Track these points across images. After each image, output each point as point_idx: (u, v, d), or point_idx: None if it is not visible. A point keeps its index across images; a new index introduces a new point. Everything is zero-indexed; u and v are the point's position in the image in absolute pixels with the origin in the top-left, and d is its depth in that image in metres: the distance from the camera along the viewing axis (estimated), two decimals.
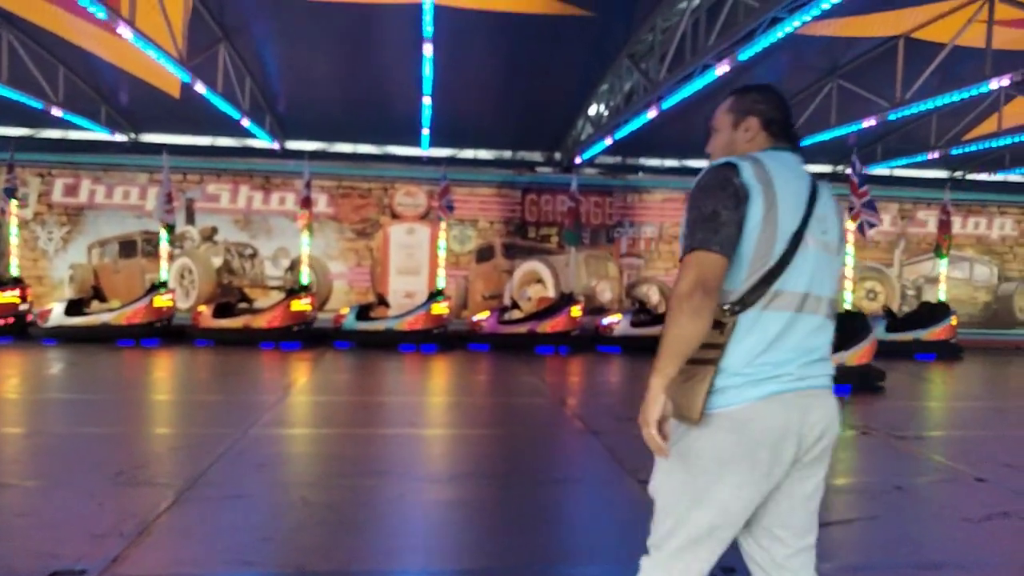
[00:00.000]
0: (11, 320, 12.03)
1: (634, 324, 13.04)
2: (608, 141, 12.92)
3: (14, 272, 12.55)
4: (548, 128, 14.62)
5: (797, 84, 12.10)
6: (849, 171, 10.65)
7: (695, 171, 15.04)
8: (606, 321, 13.13)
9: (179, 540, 3.93)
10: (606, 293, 15.69)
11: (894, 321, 13.50)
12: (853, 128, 11.83)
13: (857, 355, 9.02)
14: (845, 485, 5.40)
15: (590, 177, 15.61)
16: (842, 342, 8.57)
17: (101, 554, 3.58)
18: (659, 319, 13.40)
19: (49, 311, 12.02)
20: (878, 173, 15.58)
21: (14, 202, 12.60)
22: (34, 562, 3.49)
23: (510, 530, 4.27)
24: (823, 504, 2.20)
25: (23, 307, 12.28)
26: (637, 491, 5.00)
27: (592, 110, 13.50)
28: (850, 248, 10.78)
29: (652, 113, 11.02)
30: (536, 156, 15.74)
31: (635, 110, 11.20)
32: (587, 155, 14.39)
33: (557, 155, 15.65)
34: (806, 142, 12.75)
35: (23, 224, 13.55)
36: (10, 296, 12.09)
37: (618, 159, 15.81)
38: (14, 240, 12.75)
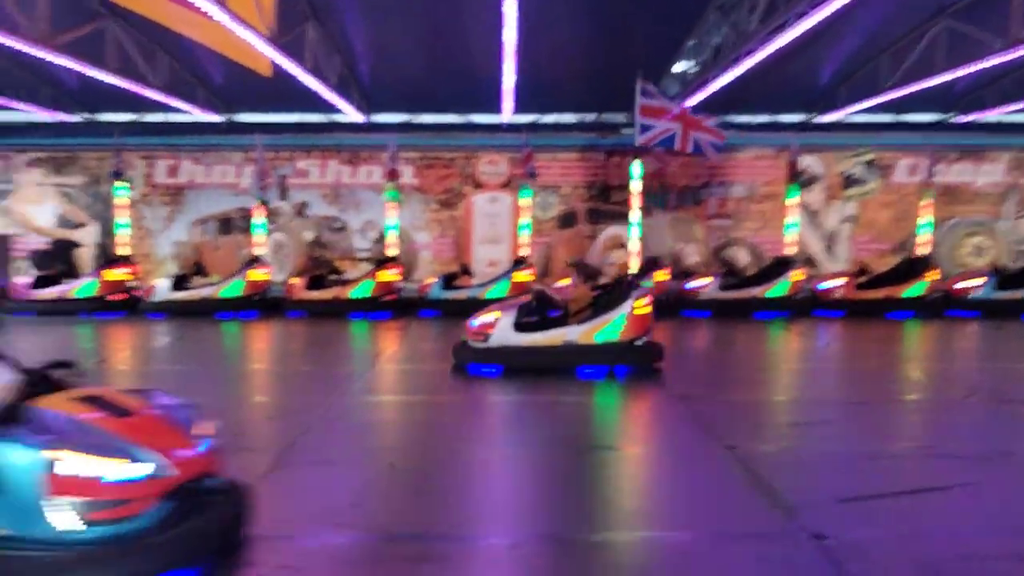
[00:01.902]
0: (123, 296, 12.83)
1: (722, 287, 12.69)
2: (696, 99, 12.48)
3: (124, 250, 13.33)
4: (632, 88, 14.24)
5: (899, 27, 11.32)
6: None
7: (788, 126, 14.50)
8: (692, 285, 12.84)
9: (276, 503, 4.08)
10: (693, 256, 15.32)
11: (1005, 279, 12.61)
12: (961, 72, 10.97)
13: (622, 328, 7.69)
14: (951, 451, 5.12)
15: None
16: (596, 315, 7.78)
17: None
18: (749, 282, 13.01)
19: (155, 287, 12.74)
20: (988, 119, 14.49)
21: (122, 184, 13.34)
22: None
23: (590, 495, 4.27)
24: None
25: (133, 283, 13.06)
26: (723, 455, 4.95)
27: (678, 67, 13.06)
28: None
29: (742, 67, 10.55)
30: (620, 118, 15.39)
31: (724, 65, 10.76)
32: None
33: None
34: (909, 90, 11.97)
35: (131, 205, 14.32)
36: (121, 273, 12.88)
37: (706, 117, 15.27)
38: (123, 221, 13.51)
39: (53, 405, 3.03)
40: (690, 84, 12.20)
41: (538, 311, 7.94)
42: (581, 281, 8.11)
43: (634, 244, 10.33)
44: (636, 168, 9.35)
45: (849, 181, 15.45)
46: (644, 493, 4.54)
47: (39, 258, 14.84)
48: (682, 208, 15.33)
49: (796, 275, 12.62)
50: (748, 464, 4.73)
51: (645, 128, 9.20)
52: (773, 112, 15.18)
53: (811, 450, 5.22)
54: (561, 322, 7.75)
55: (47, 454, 2.74)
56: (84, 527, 2.75)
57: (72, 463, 2.76)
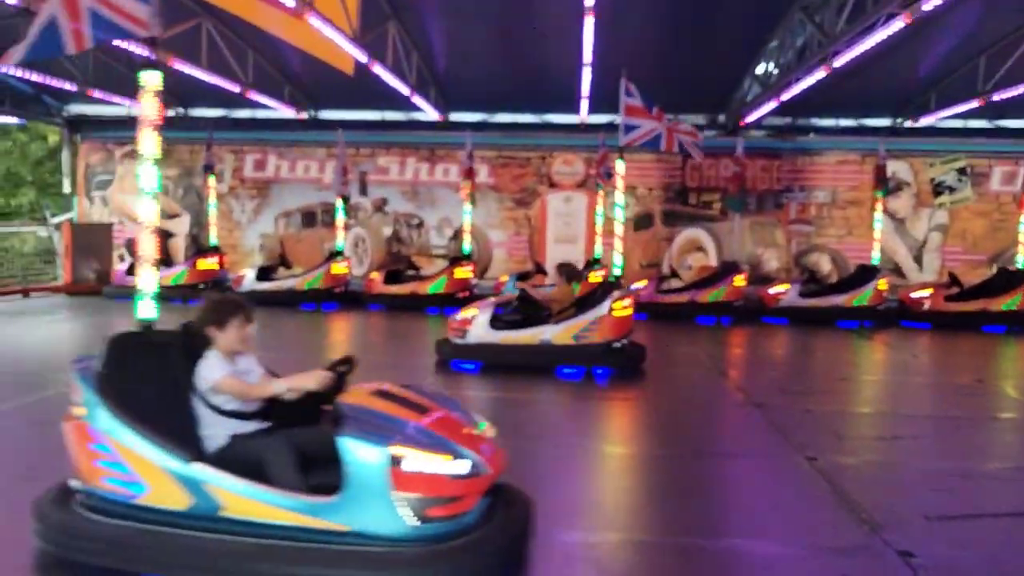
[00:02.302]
0: (212, 285, 13.38)
1: (803, 294, 12.36)
2: (777, 101, 12.21)
3: (213, 241, 13.92)
4: (711, 90, 14.05)
5: (998, 28, 10.81)
6: None
7: (874, 130, 14.02)
8: (772, 291, 12.54)
9: None
10: (772, 261, 14.98)
11: None
12: None
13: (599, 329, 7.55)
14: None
15: (757, 140, 14.87)
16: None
17: None
18: (830, 289, 12.64)
19: (242, 277, 13.25)
20: None
21: (212, 177, 13.93)
22: None
23: (668, 501, 4.24)
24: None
25: (221, 273, 13.62)
26: (803, 466, 4.83)
27: (760, 69, 12.80)
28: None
29: (826, 69, 10.27)
30: (698, 119, 15.15)
31: (808, 67, 10.49)
32: (754, 117, 13.69)
33: (721, 118, 15.00)
34: (1008, 94, 11.42)
35: (220, 197, 14.93)
36: (210, 263, 13.44)
37: (787, 120, 14.90)
38: (213, 212, 14.11)
39: (359, 401, 3.04)
40: (772, 86, 11.93)
41: (521, 310, 7.89)
42: (564, 282, 7.99)
43: (609, 258, 9.93)
44: (619, 166, 9.28)
45: (940, 188, 14.83)
46: (722, 500, 4.47)
47: (135, 246, 15.63)
48: (762, 212, 15.00)
49: (881, 284, 12.19)
50: (830, 476, 4.60)
51: (629, 128, 9.04)
52: (859, 116, 14.70)
53: (897, 465, 5.04)
54: (538, 321, 7.67)
55: (393, 450, 2.76)
56: (422, 524, 2.76)
57: (415, 459, 2.77)
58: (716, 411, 6.72)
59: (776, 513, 4.13)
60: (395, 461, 2.75)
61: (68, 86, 12.89)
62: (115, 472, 2.97)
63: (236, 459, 2.95)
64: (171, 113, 15.43)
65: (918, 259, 14.92)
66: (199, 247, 14.29)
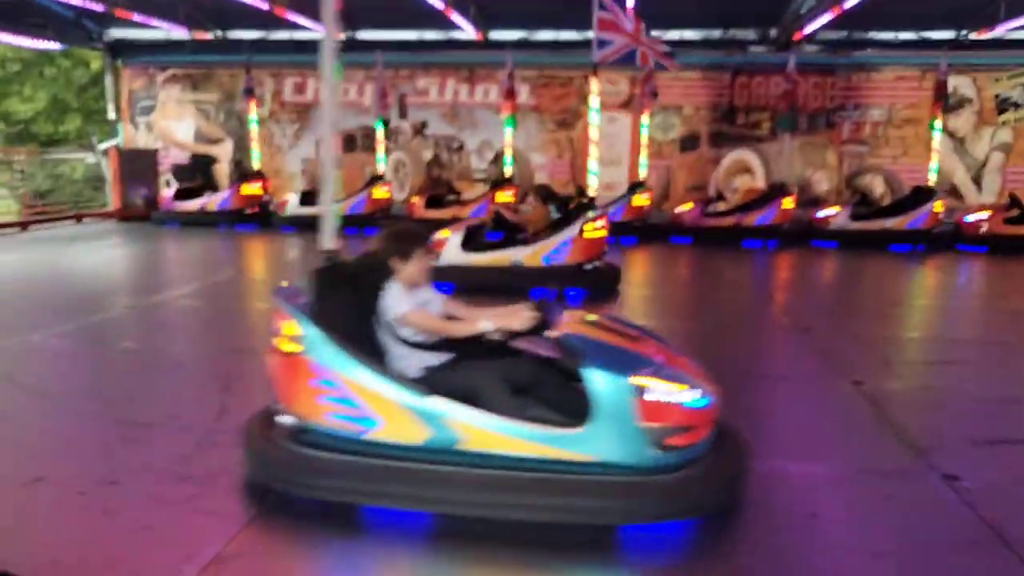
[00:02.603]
0: (256, 209, 13.55)
1: (854, 217, 12.02)
2: (834, 12, 11.59)
3: (256, 166, 14.00)
4: (763, 2, 13.37)
5: None
6: None
7: (936, 44, 13.26)
8: (822, 214, 12.23)
9: None
10: (823, 183, 14.53)
11: None
12: None
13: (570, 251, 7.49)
14: None
15: (810, 55, 14.17)
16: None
17: None
18: (883, 212, 12.26)
19: (286, 201, 13.38)
20: None
21: (252, 102, 13.90)
22: None
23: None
24: None
25: (265, 198, 13.75)
26: (849, 390, 4.80)
27: None
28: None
29: None
30: (749, 34, 14.52)
31: None
32: (808, 30, 13.05)
33: (773, 32, 14.33)
34: None
35: (261, 122, 14.92)
36: (254, 188, 13.58)
37: (843, 34, 14.15)
38: (255, 137, 14.13)
39: (578, 330, 3.06)
40: None
41: (498, 231, 7.74)
42: (540, 203, 7.83)
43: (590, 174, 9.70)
44: (594, 86, 8.86)
45: (1004, 105, 14.08)
46: (768, 423, 4.45)
47: (180, 172, 15.85)
48: (813, 132, 14.47)
49: (937, 206, 11.77)
50: (876, 400, 4.57)
51: (602, 43, 8.53)
52: (921, 28, 13.90)
53: (945, 390, 4.97)
54: (512, 243, 7.55)
55: (637, 380, 2.80)
56: (663, 453, 2.81)
57: (657, 390, 2.81)
58: (762, 334, 6.65)
59: (820, 436, 4.12)
60: (639, 392, 2.78)
61: (100, 8, 12.82)
62: (343, 408, 2.96)
63: (439, 391, 2.93)
64: (209, 36, 15.31)
65: (977, 180, 14.32)
66: (243, 172, 14.40)
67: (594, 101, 9.02)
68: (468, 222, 8.11)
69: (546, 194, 8.05)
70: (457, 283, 7.34)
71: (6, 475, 3.37)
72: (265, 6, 12.26)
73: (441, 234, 7.59)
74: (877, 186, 14.27)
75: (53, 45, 15.25)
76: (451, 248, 7.54)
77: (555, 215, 7.75)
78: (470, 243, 7.63)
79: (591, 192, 10.06)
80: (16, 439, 3.87)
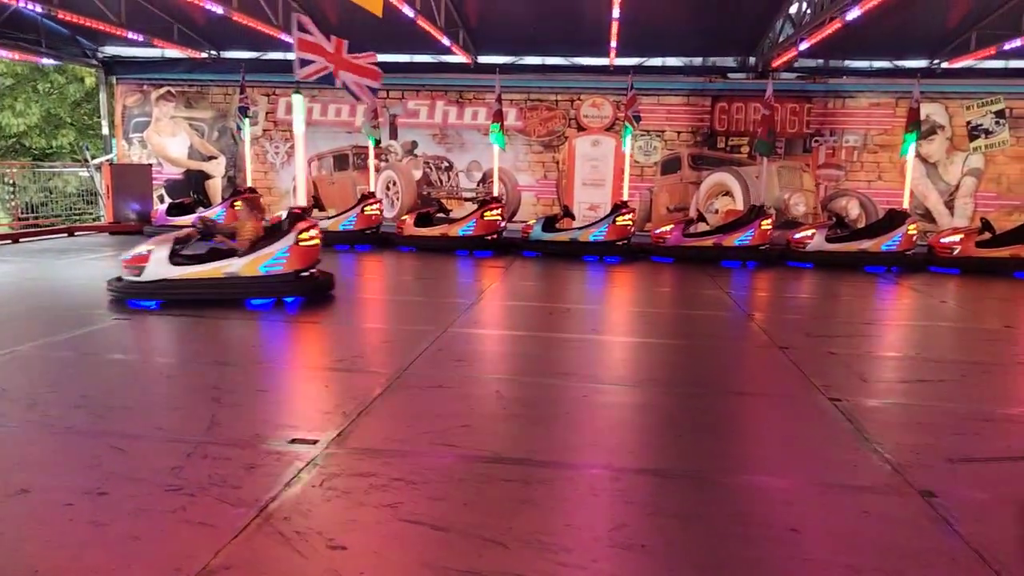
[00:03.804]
0: None
1: (830, 239, 12.40)
2: (809, 41, 12.02)
3: (248, 183, 14.22)
4: (742, 31, 13.84)
5: None
6: None
7: (911, 72, 13.76)
8: (799, 235, 12.59)
9: (391, 421, 4.49)
10: (800, 206, 14.95)
11: None
12: None
13: (287, 259, 7.84)
14: None
15: (787, 82, 14.66)
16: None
17: (329, 428, 4.24)
18: (858, 234, 12.64)
19: (278, 218, 13.55)
20: None
21: (246, 120, 14.15)
22: (276, 432, 4.22)
23: (690, 437, 4.37)
24: None
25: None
26: (827, 407, 4.89)
27: (793, 8, 12.58)
28: None
29: (861, 7, 10.09)
30: (728, 62, 15.00)
31: (842, 5, 10.32)
32: (785, 58, 13.50)
33: (751, 60, 14.80)
34: None
35: (254, 140, 15.17)
36: None
37: (820, 62, 14.67)
38: (247, 154, 14.37)
39: None
40: (805, 26, 11.74)
41: (207, 241, 7.93)
42: (248, 213, 8.06)
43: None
44: (297, 102, 9.25)
45: (976, 132, 14.57)
46: (747, 438, 4.59)
47: (173, 187, 16.05)
48: (791, 156, 14.90)
49: (910, 229, 12.17)
50: (853, 417, 4.67)
51: (304, 63, 8.93)
52: (894, 57, 14.40)
53: (921, 408, 5.05)
54: (224, 255, 7.77)
55: None
56: None
57: None
58: (740, 352, 6.83)
59: (798, 452, 4.18)
60: None
61: (102, 27, 13.07)
62: None
63: None
64: (204, 55, 15.58)
65: (950, 204, 14.78)
66: (236, 189, 14.64)
67: (299, 124, 9.38)
68: (175, 234, 8.02)
69: (253, 205, 8.22)
70: (167, 299, 7.50)
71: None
72: (259, 27, 12.54)
73: (143, 248, 7.59)
74: (853, 209, 14.69)
75: (49, 60, 15.46)
76: (156, 263, 7.57)
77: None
78: (177, 256, 7.71)
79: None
80: (1, 451, 3.89)
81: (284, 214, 8.34)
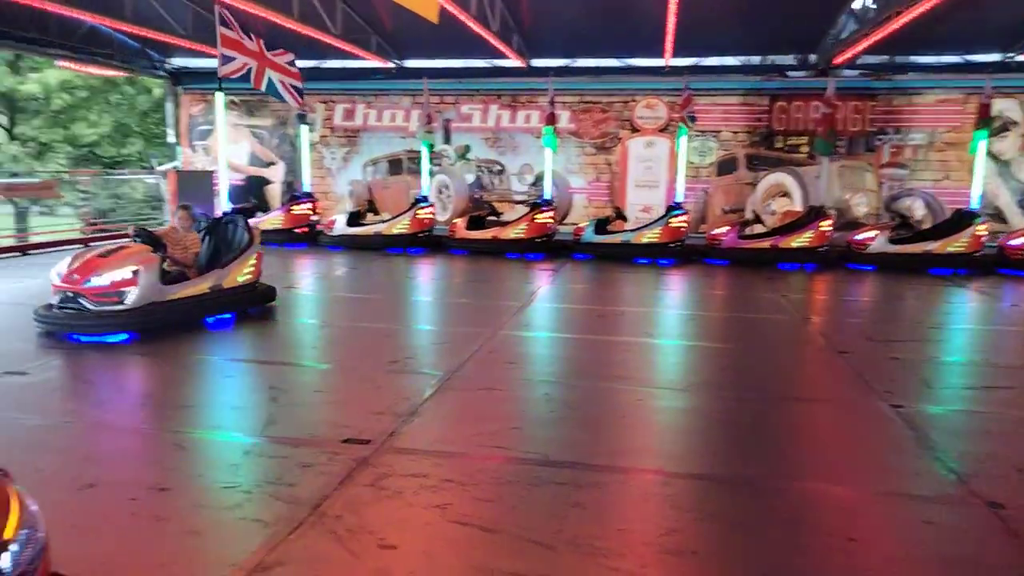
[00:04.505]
0: (306, 229, 14.07)
1: (893, 240, 12.01)
2: (874, 37, 11.66)
3: (307, 188, 14.55)
4: (803, 28, 13.49)
5: None
6: None
7: (982, 67, 13.21)
8: (860, 237, 12.24)
9: (442, 422, 4.54)
10: (861, 206, 14.51)
11: None
12: None
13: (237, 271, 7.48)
14: None
15: (849, 80, 14.24)
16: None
17: (380, 428, 4.29)
18: (923, 236, 12.22)
19: (334, 222, 13.87)
20: None
21: (305, 127, 14.48)
22: (329, 431, 4.30)
23: (743, 442, 4.30)
24: None
25: (314, 218, 14.28)
26: (888, 414, 4.75)
27: (857, 3, 12.22)
28: None
29: (929, 1, 9.73)
30: (788, 60, 14.65)
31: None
32: (848, 55, 13.11)
33: (812, 57, 14.43)
34: None
35: (312, 146, 15.51)
36: (305, 209, 14.10)
37: (885, 58, 14.19)
38: (306, 160, 14.70)
39: None
40: (870, 21, 11.39)
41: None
42: (188, 223, 7.54)
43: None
44: (218, 99, 8.89)
45: None
46: (803, 444, 4.49)
47: (235, 192, 16.50)
48: (853, 156, 14.48)
49: (980, 229, 11.70)
50: (916, 425, 4.53)
51: (227, 59, 8.59)
52: (965, 51, 13.85)
53: (989, 415, 4.88)
54: (176, 278, 6.97)
55: None
56: None
57: None
58: (798, 357, 6.68)
59: (856, 458, 4.08)
60: None
61: (171, 39, 13.56)
62: None
63: None
64: None
65: (1023, 204, 14.16)
66: (294, 193, 14.98)
67: (222, 126, 9.19)
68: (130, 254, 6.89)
69: (194, 215, 7.66)
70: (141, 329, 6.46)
71: (60, 481, 3.51)
72: (319, 36, 12.81)
73: (128, 269, 6.44)
74: (918, 209, 14.20)
75: (119, 73, 16.08)
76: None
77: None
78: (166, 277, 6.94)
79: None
80: (70, 447, 4.02)
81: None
